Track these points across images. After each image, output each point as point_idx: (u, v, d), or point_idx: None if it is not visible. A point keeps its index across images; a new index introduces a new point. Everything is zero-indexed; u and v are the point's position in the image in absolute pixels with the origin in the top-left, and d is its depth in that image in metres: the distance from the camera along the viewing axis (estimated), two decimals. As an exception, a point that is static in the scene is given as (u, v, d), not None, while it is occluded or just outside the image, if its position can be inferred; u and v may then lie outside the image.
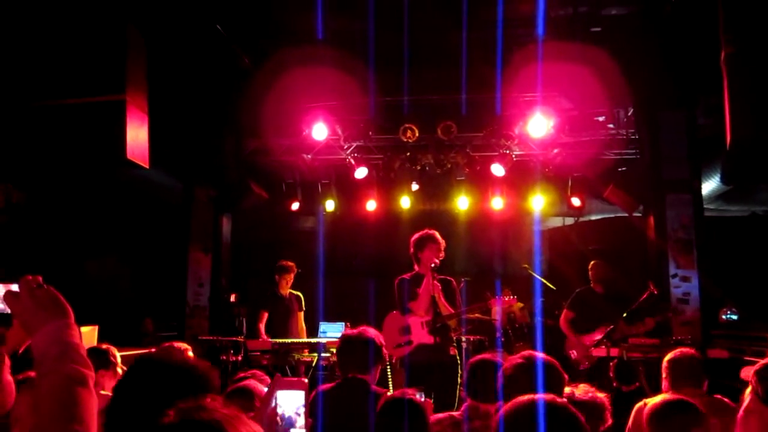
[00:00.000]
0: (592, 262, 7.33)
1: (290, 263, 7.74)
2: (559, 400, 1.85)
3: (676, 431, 2.27)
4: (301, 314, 7.77)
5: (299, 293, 7.82)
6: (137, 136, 4.86)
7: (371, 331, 3.70)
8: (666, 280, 7.45)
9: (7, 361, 2.25)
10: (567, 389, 2.73)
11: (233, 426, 1.01)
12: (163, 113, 6.35)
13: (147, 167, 5.10)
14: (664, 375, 3.70)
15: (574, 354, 6.94)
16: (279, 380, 1.88)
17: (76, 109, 4.84)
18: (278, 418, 1.82)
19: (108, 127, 4.72)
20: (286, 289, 7.70)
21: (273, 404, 1.82)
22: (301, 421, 1.84)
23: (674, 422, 2.30)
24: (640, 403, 3.54)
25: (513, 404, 1.81)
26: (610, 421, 2.60)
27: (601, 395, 2.67)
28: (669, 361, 3.68)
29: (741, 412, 2.68)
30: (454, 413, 3.33)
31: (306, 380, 1.94)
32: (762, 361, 2.70)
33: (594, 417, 2.46)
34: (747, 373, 2.94)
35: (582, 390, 2.67)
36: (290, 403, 1.83)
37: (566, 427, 1.75)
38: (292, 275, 7.68)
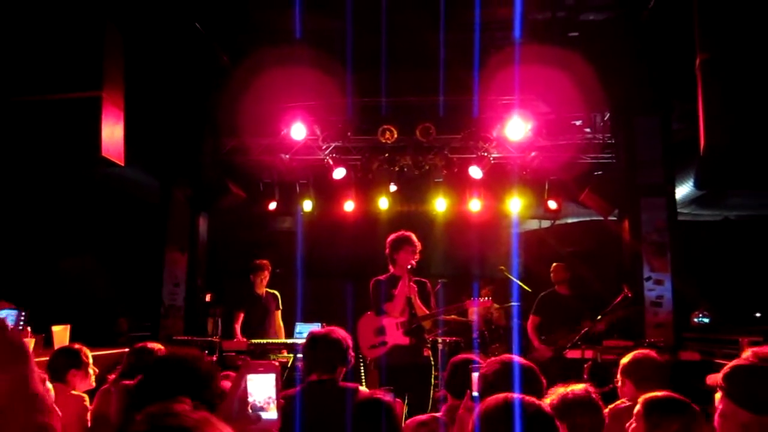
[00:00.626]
0: (553, 265, 7.45)
1: (264, 261, 7.68)
2: (533, 399, 1.86)
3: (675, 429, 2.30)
4: (279, 313, 7.72)
5: (276, 292, 7.77)
6: (113, 133, 4.80)
7: (340, 332, 3.67)
8: (640, 283, 7.54)
9: None
10: (561, 390, 2.76)
11: (203, 431, 0.99)
12: (141, 111, 6.29)
13: (122, 165, 5.03)
14: (623, 376, 3.64)
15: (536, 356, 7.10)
16: (248, 364, 1.83)
17: (51, 106, 4.76)
18: (249, 403, 1.78)
19: (83, 124, 4.65)
20: (263, 288, 7.65)
21: (242, 388, 1.78)
22: (272, 404, 1.79)
23: (673, 420, 2.33)
24: (612, 405, 3.56)
25: (489, 403, 1.82)
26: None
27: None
28: (629, 363, 3.63)
29: (717, 418, 2.71)
30: (437, 414, 3.33)
31: (277, 363, 1.91)
32: (729, 364, 2.74)
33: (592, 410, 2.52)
34: (713, 379, 2.96)
35: (580, 387, 2.71)
36: (261, 386, 1.79)
37: (541, 426, 1.77)
38: (267, 273, 7.63)
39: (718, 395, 2.94)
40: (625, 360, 3.67)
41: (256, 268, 7.61)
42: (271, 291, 7.74)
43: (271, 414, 1.77)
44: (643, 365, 3.59)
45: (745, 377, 2.49)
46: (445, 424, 3.02)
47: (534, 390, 2.35)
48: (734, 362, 2.63)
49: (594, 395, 2.72)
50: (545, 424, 1.78)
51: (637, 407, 2.46)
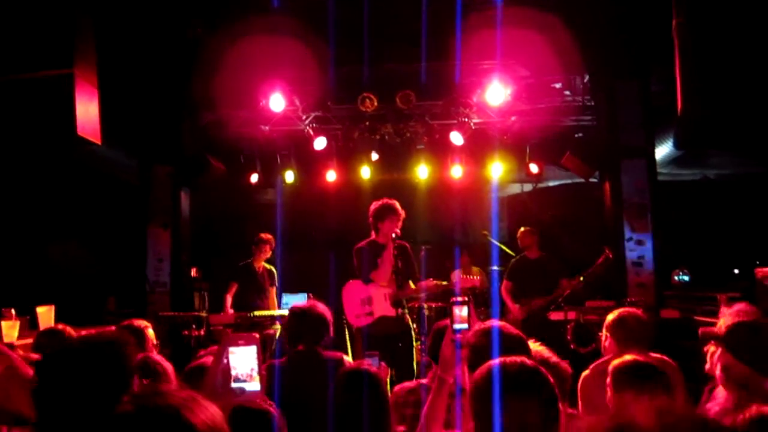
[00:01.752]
0: (519, 231, 7.52)
1: (268, 236, 7.63)
2: (529, 361, 1.88)
3: (642, 393, 2.34)
4: (273, 290, 7.71)
5: (273, 268, 7.76)
6: (87, 111, 4.72)
7: (320, 307, 3.72)
8: (621, 244, 7.64)
9: None
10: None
11: (190, 410, 1.00)
12: (116, 89, 6.19)
13: (99, 143, 4.97)
14: (607, 334, 3.71)
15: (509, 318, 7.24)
16: (229, 336, 1.83)
17: (22, 85, 4.68)
18: (231, 375, 1.78)
19: (57, 103, 4.57)
20: (260, 263, 7.62)
21: (225, 361, 1.78)
22: (255, 375, 1.79)
23: (643, 386, 2.37)
24: (586, 371, 3.61)
25: (486, 367, 1.83)
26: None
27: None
28: (614, 321, 3.69)
29: (719, 372, 2.77)
30: (423, 381, 3.38)
31: (257, 335, 1.90)
32: (727, 323, 2.79)
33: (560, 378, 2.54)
34: (707, 332, 3.01)
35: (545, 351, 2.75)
36: (242, 358, 1.79)
37: (538, 386, 1.79)
38: (269, 249, 7.58)
39: (713, 348, 3.02)
40: (609, 318, 3.72)
41: (260, 241, 7.56)
42: (268, 267, 7.72)
43: (254, 385, 1.78)
44: (627, 324, 3.64)
45: (748, 334, 2.58)
46: (429, 390, 3.07)
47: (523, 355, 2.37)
48: (733, 319, 2.71)
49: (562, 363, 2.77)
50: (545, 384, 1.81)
51: (608, 377, 2.50)
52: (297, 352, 3.62)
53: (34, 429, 1.83)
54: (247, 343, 1.80)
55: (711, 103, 4.10)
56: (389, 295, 5.55)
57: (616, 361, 2.58)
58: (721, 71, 4.07)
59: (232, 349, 1.78)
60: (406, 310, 5.81)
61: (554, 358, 2.69)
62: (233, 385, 1.77)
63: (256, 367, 1.79)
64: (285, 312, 7.07)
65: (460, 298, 2.64)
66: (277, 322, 7.06)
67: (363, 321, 5.56)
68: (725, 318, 2.83)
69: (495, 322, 2.52)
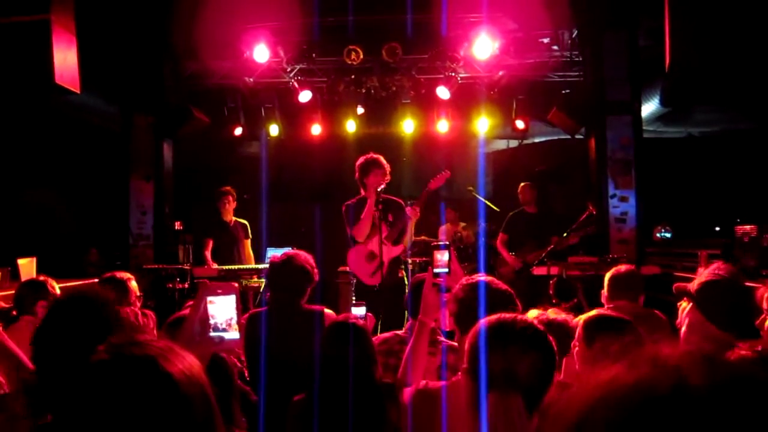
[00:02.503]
0: (520, 185, 7.55)
1: (227, 188, 7.58)
2: (528, 320, 1.86)
3: (606, 342, 2.35)
4: (248, 242, 7.70)
5: (245, 221, 7.73)
6: (65, 59, 4.60)
7: (301, 256, 3.70)
8: (605, 200, 7.67)
9: None
10: (534, 312, 2.82)
11: (167, 360, 0.99)
12: (95, 36, 6.03)
13: (78, 92, 4.85)
14: (605, 289, 3.86)
15: (503, 271, 7.32)
16: (207, 286, 1.81)
17: (-3, 30, 4.54)
18: (210, 324, 1.77)
19: (33, 50, 4.44)
20: (230, 216, 7.59)
21: (203, 310, 1.77)
22: (233, 324, 1.79)
23: (604, 335, 2.38)
24: (577, 319, 3.70)
25: (488, 323, 1.81)
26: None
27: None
28: (610, 277, 3.84)
29: (685, 327, 2.81)
30: (399, 332, 3.41)
31: (236, 285, 1.89)
32: (699, 280, 2.82)
33: (568, 336, 2.56)
34: (681, 287, 3.06)
35: (553, 312, 2.78)
36: (221, 308, 1.78)
37: (539, 342, 1.78)
38: (232, 199, 7.54)
39: (684, 304, 3.06)
40: (607, 275, 3.87)
41: (219, 194, 7.52)
42: (240, 220, 7.68)
43: (232, 334, 1.77)
44: (619, 277, 3.78)
45: (716, 292, 2.60)
46: (405, 341, 3.10)
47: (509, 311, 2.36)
48: (706, 277, 2.73)
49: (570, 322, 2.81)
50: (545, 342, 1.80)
51: (578, 330, 2.50)
52: (277, 302, 3.63)
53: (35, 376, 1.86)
54: (226, 293, 1.78)
55: (700, 57, 4.07)
56: (387, 237, 5.52)
57: (583, 315, 2.59)
58: (711, 23, 4.03)
59: (210, 298, 1.77)
60: (402, 265, 5.83)
61: (559, 319, 2.72)
62: (211, 334, 1.75)
63: (234, 317, 1.77)
64: (268, 265, 7.08)
65: (441, 243, 2.65)
66: (255, 276, 7.07)
67: (378, 276, 5.52)
68: (701, 276, 2.87)
69: (483, 277, 2.51)
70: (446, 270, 2.58)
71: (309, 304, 3.66)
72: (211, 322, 1.76)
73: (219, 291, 1.79)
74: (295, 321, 3.51)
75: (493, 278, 2.55)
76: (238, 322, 1.78)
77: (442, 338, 3.16)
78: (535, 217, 7.41)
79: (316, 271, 3.70)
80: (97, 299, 1.91)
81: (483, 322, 1.83)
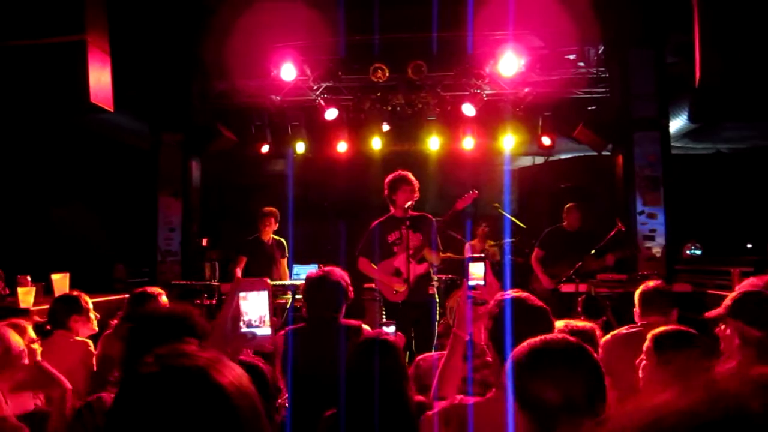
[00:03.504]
0: (567, 206, 7.35)
1: (272, 209, 7.52)
2: (571, 338, 1.81)
3: (675, 356, 2.33)
4: (284, 261, 7.65)
5: (282, 240, 7.71)
6: (100, 78, 4.70)
7: (337, 272, 3.71)
8: (633, 217, 7.59)
9: None
10: (560, 323, 2.81)
11: (218, 371, 0.97)
12: (126, 56, 6.15)
13: (111, 110, 4.95)
14: (636, 306, 3.81)
15: (536, 287, 7.17)
16: (240, 282, 1.81)
17: (35, 51, 4.66)
18: (242, 320, 1.75)
19: (69, 70, 4.55)
20: (269, 236, 7.57)
21: (235, 307, 1.76)
22: (266, 321, 1.77)
23: (673, 349, 2.36)
24: (607, 336, 3.67)
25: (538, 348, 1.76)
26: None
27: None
28: (640, 293, 3.80)
29: (737, 341, 2.75)
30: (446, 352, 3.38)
31: (268, 281, 1.88)
32: (734, 295, 2.79)
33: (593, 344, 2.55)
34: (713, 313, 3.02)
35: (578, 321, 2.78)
36: (254, 304, 1.77)
37: (588, 364, 1.73)
38: (273, 221, 7.50)
39: (723, 327, 3.01)
40: (639, 290, 3.83)
41: (262, 215, 7.48)
42: (278, 238, 7.65)
43: (265, 330, 1.75)
44: (653, 295, 3.74)
45: (754, 299, 2.59)
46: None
47: (545, 329, 2.32)
48: (744, 288, 2.71)
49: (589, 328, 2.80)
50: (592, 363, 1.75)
51: (646, 343, 2.48)
52: (315, 318, 3.63)
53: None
54: (259, 289, 1.77)
55: (731, 71, 4.03)
56: (410, 256, 5.48)
57: (656, 330, 2.58)
58: (742, 38, 3.99)
59: (243, 294, 1.76)
60: (434, 282, 5.81)
61: (586, 327, 2.71)
62: (243, 329, 1.74)
63: (267, 313, 1.76)
64: (296, 281, 7.10)
65: (476, 255, 2.64)
66: (289, 292, 7.06)
67: (403, 293, 5.50)
68: (731, 294, 2.84)
69: (520, 293, 2.48)
70: (482, 282, 2.56)
71: (346, 320, 3.66)
72: (245, 318, 1.75)
73: (252, 287, 1.77)
74: (334, 336, 3.50)
75: (529, 295, 2.52)
76: (271, 319, 1.77)
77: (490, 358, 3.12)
78: (574, 236, 7.20)
79: (350, 287, 3.72)
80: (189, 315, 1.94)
81: (524, 346, 1.78)
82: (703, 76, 4.09)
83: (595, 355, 1.75)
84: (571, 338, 1.79)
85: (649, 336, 2.53)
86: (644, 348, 2.50)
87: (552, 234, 7.29)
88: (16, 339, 2.89)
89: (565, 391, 1.62)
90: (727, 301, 2.78)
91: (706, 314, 3.10)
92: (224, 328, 1.69)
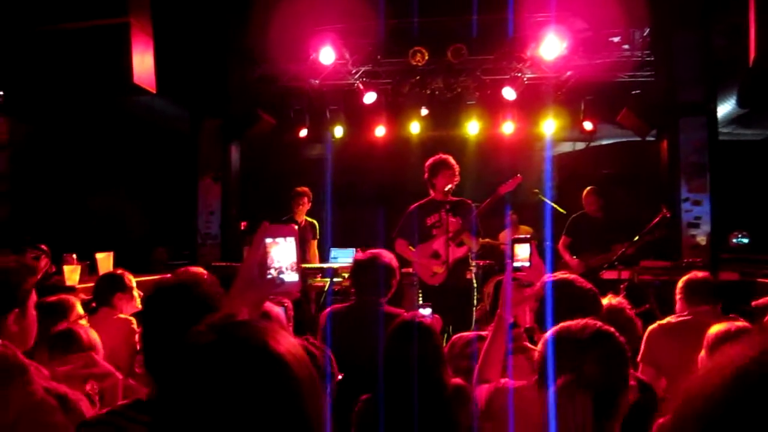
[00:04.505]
0: (585, 190, 7.28)
1: (304, 189, 7.57)
2: (597, 323, 1.82)
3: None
4: (315, 242, 7.70)
5: (314, 221, 7.73)
6: (143, 60, 4.75)
7: (386, 255, 3.69)
8: (677, 204, 7.42)
9: (33, 296, 2.27)
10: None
11: (275, 340, 0.95)
12: (167, 39, 6.19)
13: (154, 92, 5.00)
14: (678, 296, 3.74)
15: None
16: (266, 227, 1.76)
17: (79, 34, 4.72)
18: (272, 266, 1.71)
19: (113, 52, 4.60)
20: (302, 216, 7.59)
21: (262, 252, 1.72)
22: (294, 267, 1.73)
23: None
24: (654, 325, 3.60)
25: (561, 329, 1.79)
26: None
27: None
28: (684, 283, 3.73)
29: None
30: (482, 333, 3.35)
31: (295, 227, 1.84)
32: None
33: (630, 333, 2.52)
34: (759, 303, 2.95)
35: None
36: (281, 250, 1.69)
37: (614, 351, 1.75)
38: (307, 200, 7.52)
39: None
40: (682, 280, 3.79)
41: (296, 195, 7.52)
42: (310, 220, 7.67)
43: (292, 276, 1.71)
44: (698, 285, 3.68)
45: None
46: None
47: (593, 312, 2.29)
48: None
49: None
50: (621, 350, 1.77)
51: (705, 339, 2.46)
52: (360, 301, 3.63)
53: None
54: (286, 235, 1.73)
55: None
56: (449, 239, 5.45)
57: (713, 330, 2.53)
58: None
59: (269, 240, 1.72)
60: (471, 267, 5.78)
61: (629, 312, 2.65)
62: (271, 275, 1.70)
63: (294, 259, 1.71)
64: (334, 265, 7.12)
65: (522, 236, 2.59)
66: (320, 275, 7.08)
67: (441, 276, 5.50)
68: None
69: (567, 275, 2.44)
70: (527, 264, 2.51)
71: (389, 306, 3.65)
72: (275, 265, 1.71)
73: (280, 233, 1.73)
74: (374, 322, 3.49)
75: (577, 277, 2.47)
76: (298, 265, 1.72)
77: (529, 345, 3.08)
78: (599, 221, 7.12)
79: (398, 271, 3.71)
80: (200, 280, 1.95)
81: (552, 329, 1.80)
82: (757, 56, 3.94)
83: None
84: (595, 322, 1.79)
85: (708, 335, 2.50)
86: (704, 344, 2.46)
87: (576, 220, 7.24)
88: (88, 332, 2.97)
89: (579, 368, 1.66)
90: None
91: (754, 302, 3.01)
92: (251, 273, 1.64)
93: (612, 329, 1.78)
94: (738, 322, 2.68)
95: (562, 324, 1.80)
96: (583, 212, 7.27)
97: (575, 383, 1.66)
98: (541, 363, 1.79)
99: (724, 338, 2.44)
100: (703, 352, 2.48)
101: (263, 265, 1.65)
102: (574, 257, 7.12)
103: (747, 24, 4.10)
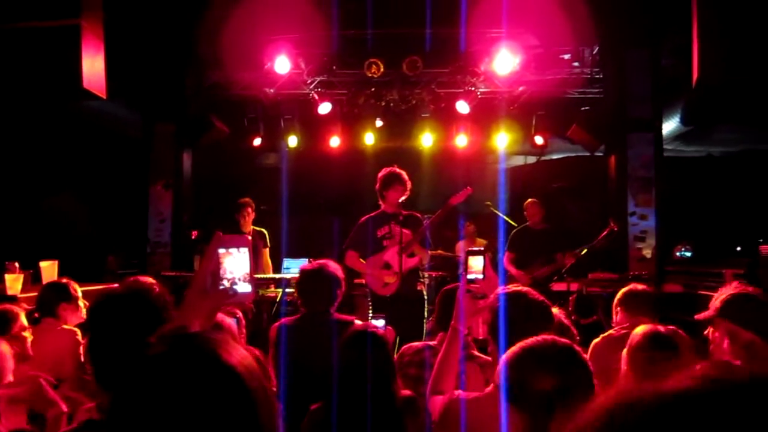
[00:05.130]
0: (526, 202, 7.38)
1: (247, 199, 7.49)
2: (565, 342, 1.84)
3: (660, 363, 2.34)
4: (266, 251, 7.63)
5: (263, 230, 7.67)
6: (93, 64, 4.64)
7: (331, 265, 3.69)
8: (624, 218, 7.61)
9: None
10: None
11: (227, 351, 0.96)
12: (120, 43, 6.08)
13: (104, 97, 4.89)
14: (618, 308, 3.80)
15: None
16: (220, 238, 1.75)
17: (28, 34, 4.59)
18: (225, 277, 1.70)
19: (63, 54, 4.48)
20: (248, 227, 7.53)
21: (215, 262, 1.71)
22: (246, 278, 1.72)
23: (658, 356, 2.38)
24: (597, 339, 3.66)
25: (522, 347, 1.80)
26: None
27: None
28: (623, 294, 3.80)
29: (727, 345, 2.75)
30: (431, 342, 3.36)
31: (249, 238, 1.84)
32: (722, 297, 2.77)
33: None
34: (703, 315, 3.01)
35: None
36: (235, 261, 1.69)
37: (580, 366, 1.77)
38: (251, 211, 7.45)
39: (711, 330, 3.01)
40: (621, 291, 3.85)
41: (239, 206, 7.44)
42: (258, 229, 7.60)
43: (245, 287, 1.71)
44: (638, 297, 3.75)
45: (745, 301, 2.60)
46: (436, 351, 3.06)
47: (546, 324, 2.32)
48: (732, 291, 2.72)
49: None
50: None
51: (632, 339, 2.50)
52: (309, 312, 3.61)
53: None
54: (240, 246, 1.72)
55: (730, 74, 4.03)
56: (400, 250, 5.46)
57: (637, 331, 2.58)
58: (743, 41, 3.98)
59: (222, 250, 1.71)
60: (422, 279, 5.80)
61: (567, 322, 2.69)
62: (224, 285, 1.69)
63: (247, 270, 1.71)
64: (287, 275, 7.07)
65: (476, 248, 2.61)
66: (273, 285, 7.03)
67: (392, 286, 5.50)
68: (718, 295, 2.84)
69: (521, 287, 2.47)
70: (481, 276, 2.54)
71: (339, 314, 3.64)
72: (227, 275, 1.70)
73: (233, 243, 1.72)
74: (326, 331, 3.48)
75: (531, 289, 2.50)
76: (251, 276, 1.72)
77: (478, 353, 3.11)
78: (542, 233, 7.18)
79: (344, 281, 3.70)
80: (149, 290, 1.92)
81: (522, 345, 1.81)
82: (700, 76, 4.08)
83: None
84: (561, 339, 1.82)
85: (631, 339, 2.56)
86: (628, 344, 2.52)
87: (518, 235, 7.26)
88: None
89: (559, 384, 1.65)
90: (716, 303, 2.77)
91: (696, 316, 3.10)
92: (204, 283, 1.63)
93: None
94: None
95: (532, 341, 1.80)
96: (525, 225, 7.29)
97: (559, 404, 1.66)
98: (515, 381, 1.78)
99: (645, 341, 2.49)
100: (624, 351, 2.54)
101: (216, 275, 1.64)
102: (520, 270, 7.18)
103: (691, 44, 4.25)
